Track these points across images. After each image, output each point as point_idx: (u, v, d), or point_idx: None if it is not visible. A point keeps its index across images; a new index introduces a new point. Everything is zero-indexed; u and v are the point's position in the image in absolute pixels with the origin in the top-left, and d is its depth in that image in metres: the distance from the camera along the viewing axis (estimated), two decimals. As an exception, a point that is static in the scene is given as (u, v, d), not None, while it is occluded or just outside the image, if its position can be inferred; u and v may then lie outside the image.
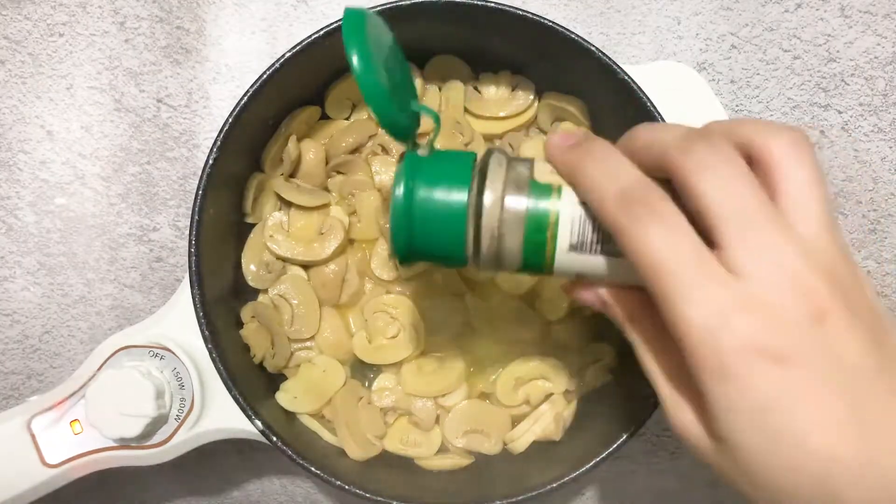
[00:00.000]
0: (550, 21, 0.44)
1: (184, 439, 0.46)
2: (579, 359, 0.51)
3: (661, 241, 0.25)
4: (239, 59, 0.56)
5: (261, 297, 0.51)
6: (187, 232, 0.44)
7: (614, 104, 0.47)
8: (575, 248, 0.29)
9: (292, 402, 0.49)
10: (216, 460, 0.56)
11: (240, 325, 0.49)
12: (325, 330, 0.50)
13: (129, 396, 0.44)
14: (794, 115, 0.57)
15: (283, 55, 0.44)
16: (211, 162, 0.44)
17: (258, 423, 0.44)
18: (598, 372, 0.50)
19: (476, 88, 0.52)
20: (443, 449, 0.51)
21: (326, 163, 0.51)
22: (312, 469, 0.43)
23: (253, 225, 0.51)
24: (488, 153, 0.31)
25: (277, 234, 0.50)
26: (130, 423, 0.44)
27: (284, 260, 0.50)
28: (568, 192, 0.29)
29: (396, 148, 0.51)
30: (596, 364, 0.51)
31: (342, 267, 0.50)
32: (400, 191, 0.30)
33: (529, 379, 0.50)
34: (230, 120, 0.44)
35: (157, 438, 0.46)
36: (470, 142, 0.51)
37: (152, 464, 0.46)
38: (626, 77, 0.45)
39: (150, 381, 0.44)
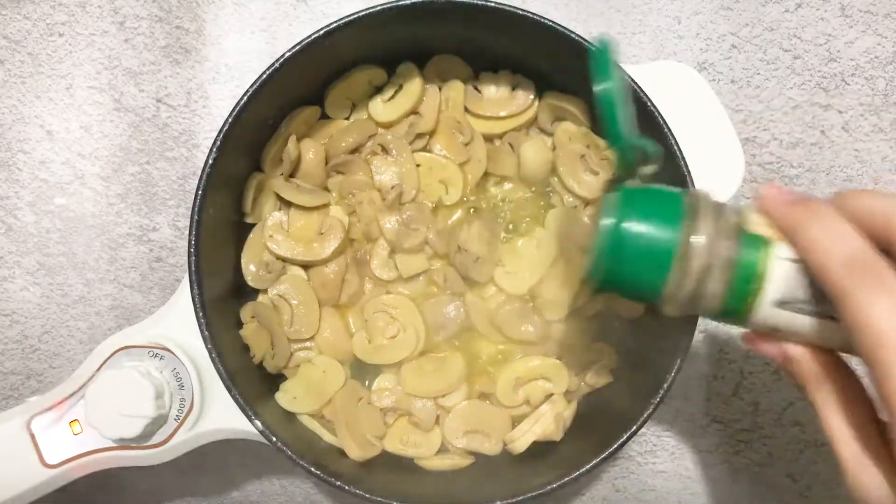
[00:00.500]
0: (550, 21, 0.44)
1: (183, 439, 0.46)
2: (580, 359, 0.51)
3: (888, 312, 0.25)
4: (239, 58, 0.56)
5: (261, 297, 0.51)
6: (187, 232, 0.44)
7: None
8: (780, 304, 0.29)
9: (292, 402, 0.49)
10: (216, 460, 0.56)
11: (240, 325, 0.49)
12: (325, 330, 0.50)
13: (128, 397, 0.44)
14: (794, 115, 0.57)
15: (283, 55, 0.44)
16: (211, 162, 0.44)
17: (258, 423, 0.44)
18: (598, 372, 0.50)
19: (476, 88, 0.52)
20: (443, 449, 0.51)
21: (326, 163, 0.51)
22: (312, 469, 0.43)
23: (253, 225, 0.51)
24: (697, 195, 0.31)
25: (277, 234, 0.50)
26: (130, 424, 0.44)
27: (284, 260, 0.50)
28: (780, 247, 0.29)
29: (396, 148, 0.51)
30: (596, 364, 0.51)
31: (342, 267, 0.50)
32: (611, 220, 0.30)
33: (529, 379, 0.50)
34: (230, 120, 0.44)
35: (156, 439, 0.46)
36: (470, 142, 0.51)
37: (152, 464, 0.46)
38: (626, 77, 0.45)
39: (150, 382, 0.44)
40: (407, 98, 0.51)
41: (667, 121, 0.45)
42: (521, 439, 0.50)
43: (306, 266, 0.51)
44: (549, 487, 0.44)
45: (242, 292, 0.50)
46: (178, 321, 0.47)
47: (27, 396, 0.56)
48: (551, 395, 0.50)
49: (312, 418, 0.49)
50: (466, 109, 0.52)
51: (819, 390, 0.30)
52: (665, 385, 0.44)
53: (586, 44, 0.44)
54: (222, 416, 0.46)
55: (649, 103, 0.45)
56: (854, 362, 0.29)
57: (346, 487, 0.43)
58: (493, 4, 0.44)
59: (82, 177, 0.56)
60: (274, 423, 0.45)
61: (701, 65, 0.57)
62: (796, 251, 0.29)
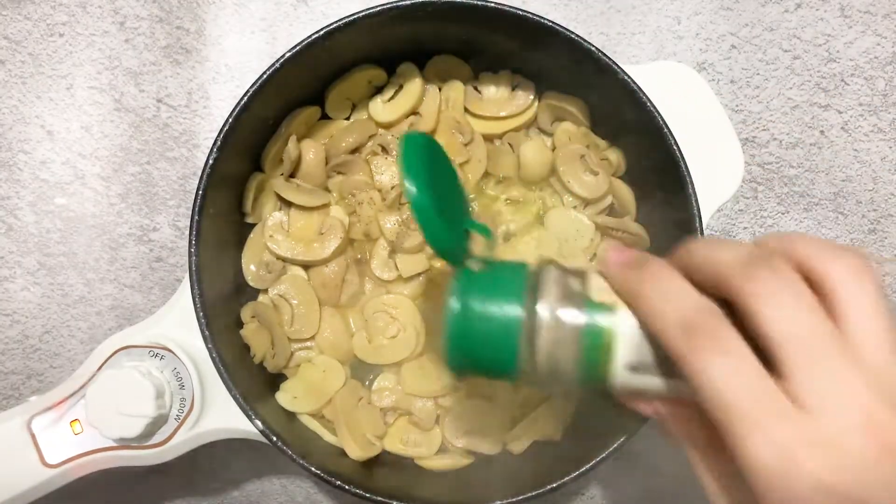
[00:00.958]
0: (550, 21, 0.44)
1: (184, 439, 0.46)
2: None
3: (726, 374, 0.24)
4: (239, 59, 0.56)
5: (261, 297, 0.51)
6: (187, 232, 0.44)
7: (614, 104, 0.47)
8: (633, 368, 0.28)
9: (292, 401, 0.49)
10: (216, 460, 0.56)
11: (240, 325, 0.49)
12: (325, 330, 0.50)
13: (128, 396, 0.44)
14: (794, 115, 0.57)
15: (283, 55, 0.44)
16: (211, 162, 0.44)
17: (258, 423, 0.44)
18: (598, 372, 0.50)
19: (476, 88, 0.52)
20: (443, 449, 0.51)
21: (326, 163, 0.51)
22: (312, 469, 0.43)
23: (253, 225, 0.51)
24: (540, 267, 0.31)
25: (277, 234, 0.50)
26: (130, 423, 0.44)
27: (284, 260, 0.50)
28: (625, 312, 0.28)
29: (395, 147, 0.51)
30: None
31: (342, 267, 0.50)
32: (454, 305, 0.30)
33: (529, 379, 0.50)
34: (230, 120, 0.44)
35: (157, 438, 0.46)
36: (470, 142, 0.51)
37: (152, 464, 0.46)
38: (626, 77, 0.45)
39: (150, 382, 0.44)
40: (407, 98, 0.51)
41: (666, 121, 0.45)
42: (521, 439, 0.50)
43: (306, 266, 0.51)
44: (549, 487, 0.44)
45: (242, 292, 0.50)
46: (178, 321, 0.47)
47: (28, 396, 0.56)
48: (551, 395, 0.50)
49: (312, 418, 0.49)
50: (466, 109, 0.52)
51: (693, 448, 0.30)
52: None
53: (586, 44, 0.44)
54: (222, 416, 0.46)
55: (649, 103, 0.45)
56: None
57: (346, 487, 0.43)
58: (493, 4, 0.44)
59: (83, 177, 0.56)
60: (274, 423, 0.45)
61: (701, 65, 0.57)
62: (637, 317, 0.28)
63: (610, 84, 0.45)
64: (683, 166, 0.44)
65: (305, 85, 0.49)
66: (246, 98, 0.44)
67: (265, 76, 0.44)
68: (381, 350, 0.50)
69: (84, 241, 0.56)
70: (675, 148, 0.44)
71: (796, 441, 0.23)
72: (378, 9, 0.44)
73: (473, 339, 0.30)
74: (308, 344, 0.51)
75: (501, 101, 0.51)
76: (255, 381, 0.48)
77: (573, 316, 0.28)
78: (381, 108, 0.51)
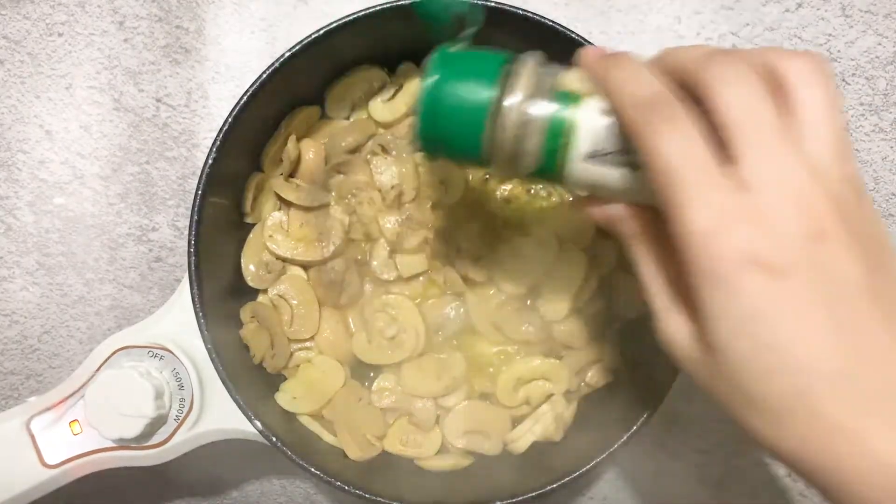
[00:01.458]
0: (551, 21, 0.44)
1: (183, 439, 0.46)
2: (580, 359, 0.50)
3: (675, 146, 0.26)
4: (239, 58, 0.56)
5: (260, 297, 0.51)
6: (187, 232, 0.44)
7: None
8: (591, 156, 0.30)
9: (292, 402, 0.49)
10: (216, 460, 0.56)
11: (240, 325, 0.49)
12: (325, 330, 0.50)
13: (128, 397, 0.44)
14: (794, 115, 0.57)
15: (283, 55, 0.44)
16: (210, 162, 0.44)
17: (258, 423, 0.44)
18: (598, 372, 0.50)
19: (476, 88, 0.52)
20: (443, 449, 0.51)
21: (326, 163, 0.51)
22: (312, 469, 0.43)
23: (253, 225, 0.51)
24: (519, 57, 0.32)
25: (277, 234, 0.50)
26: (130, 424, 0.44)
27: (284, 260, 0.50)
28: (592, 101, 0.30)
29: (396, 148, 0.51)
30: (596, 364, 0.51)
31: (342, 267, 0.50)
32: (429, 81, 0.31)
33: (529, 379, 0.50)
34: (230, 120, 0.44)
35: (156, 439, 0.46)
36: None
37: (152, 464, 0.46)
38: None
39: (150, 382, 0.44)
40: (407, 98, 0.51)
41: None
42: (521, 439, 0.50)
43: (306, 266, 0.51)
44: (549, 487, 0.44)
45: (242, 292, 0.50)
46: (177, 321, 0.47)
47: (27, 396, 0.56)
48: (551, 395, 0.50)
49: (312, 418, 0.49)
50: (466, 109, 0.52)
51: (638, 247, 0.31)
52: (666, 385, 0.44)
53: (587, 43, 0.44)
54: (222, 416, 0.46)
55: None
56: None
57: (346, 487, 0.43)
58: (492, 4, 0.44)
59: (82, 177, 0.56)
60: (274, 423, 0.45)
61: (701, 65, 0.57)
62: (603, 102, 0.30)
63: (610, 84, 0.45)
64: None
65: (305, 85, 0.49)
66: (245, 98, 0.44)
67: (265, 76, 0.44)
68: (381, 350, 0.50)
69: (83, 241, 0.56)
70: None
71: (731, 211, 0.25)
72: (378, 8, 0.44)
73: (443, 115, 0.31)
74: (308, 344, 0.51)
75: (501, 100, 0.51)
76: (254, 381, 0.48)
77: (539, 104, 0.30)
78: (381, 108, 0.51)
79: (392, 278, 0.51)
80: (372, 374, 0.51)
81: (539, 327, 0.50)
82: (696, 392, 0.57)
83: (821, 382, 0.24)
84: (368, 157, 0.51)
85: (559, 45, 0.45)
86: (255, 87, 0.44)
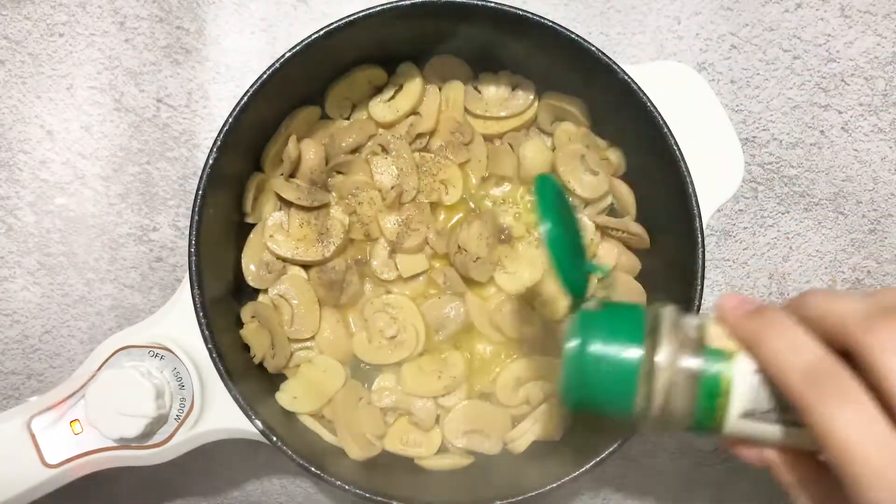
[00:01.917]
0: (550, 21, 0.44)
1: (184, 439, 0.46)
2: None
3: (851, 423, 0.25)
4: (239, 59, 0.56)
5: (261, 297, 0.51)
6: (187, 232, 0.44)
7: (614, 104, 0.47)
8: (748, 415, 0.29)
9: (292, 402, 0.49)
10: (216, 460, 0.56)
11: (240, 324, 0.49)
12: (325, 330, 0.50)
13: (128, 396, 0.44)
14: (794, 115, 0.57)
15: (283, 55, 0.44)
16: (211, 162, 0.44)
17: (258, 423, 0.44)
18: (598, 372, 0.50)
19: (476, 88, 0.52)
20: (443, 449, 0.51)
21: (326, 163, 0.51)
22: (312, 469, 0.43)
23: (253, 225, 0.51)
24: (658, 310, 0.31)
25: (277, 234, 0.50)
26: (130, 423, 0.44)
27: (284, 260, 0.50)
28: (742, 359, 0.29)
29: (396, 148, 0.51)
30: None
31: (342, 267, 0.50)
32: (574, 345, 0.30)
33: (529, 379, 0.50)
34: (230, 120, 0.44)
35: (157, 438, 0.46)
36: (470, 142, 0.51)
37: (152, 464, 0.46)
38: (626, 77, 0.45)
39: (150, 382, 0.44)
40: (407, 98, 0.51)
41: (666, 121, 0.45)
42: (521, 439, 0.50)
43: (306, 266, 0.51)
44: (549, 487, 0.44)
45: (242, 292, 0.50)
46: (178, 321, 0.47)
47: (27, 396, 0.56)
48: (551, 394, 0.50)
49: (312, 418, 0.49)
50: (466, 109, 0.52)
51: (800, 495, 0.30)
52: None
53: (586, 44, 0.44)
54: (222, 416, 0.46)
55: (649, 103, 0.45)
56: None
57: (346, 487, 0.43)
58: (492, 4, 0.44)
59: (83, 177, 0.56)
60: (274, 423, 0.45)
61: (701, 65, 0.57)
62: (758, 363, 0.28)
63: (610, 84, 0.45)
64: (683, 166, 0.44)
65: (305, 85, 0.49)
66: (246, 98, 0.44)
67: (265, 76, 0.44)
68: (381, 350, 0.50)
69: (84, 241, 0.56)
70: (675, 148, 0.44)
71: None
72: (378, 8, 0.44)
73: (591, 379, 0.30)
74: (308, 344, 0.51)
75: (501, 100, 0.51)
76: (254, 381, 0.48)
77: (691, 363, 0.29)
78: (381, 107, 0.51)
79: (392, 278, 0.51)
80: (372, 374, 0.51)
81: (539, 327, 0.50)
82: (695, 392, 0.57)
83: None
84: (368, 157, 0.51)
85: (559, 46, 0.45)
86: (255, 87, 0.44)
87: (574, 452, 0.47)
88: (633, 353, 0.29)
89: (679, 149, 0.44)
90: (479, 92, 0.52)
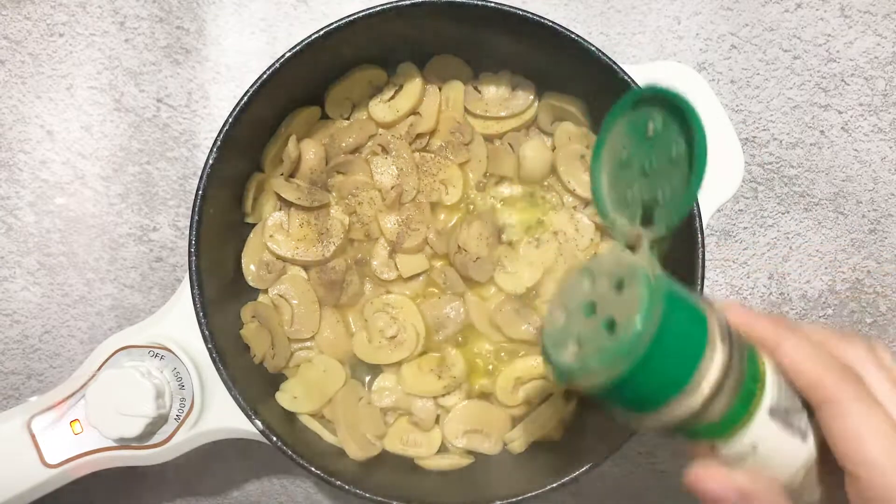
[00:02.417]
0: (550, 21, 0.44)
1: (184, 439, 0.46)
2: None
3: (865, 416, 0.27)
4: (239, 59, 0.56)
5: (261, 297, 0.51)
6: (187, 232, 0.44)
7: (614, 104, 0.47)
8: (772, 412, 0.29)
9: (292, 402, 0.49)
10: (216, 460, 0.56)
11: (240, 324, 0.49)
12: (325, 330, 0.50)
13: (129, 396, 0.44)
14: (794, 115, 0.57)
15: (283, 55, 0.44)
16: (211, 162, 0.44)
17: (258, 423, 0.44)
18: (598, 372, 0.50)
19: (476, 88, 0.52)
20: (443, 449, 0.51)
21: (326, 163, 0.51)
22: (312, 469, 0.43)
23: (253, 225, 0.51)
24: (713, 308, 0.30)
25: (277, 234, 0.50)
26: (130, 423, 0.44)
27: (284, 260, 0.50)
28: (770, 368, 0.30)
29: (396, 148, 0.51)
30: (596, 364, 0.51)
31: (342, 267, 0.50)
32: (643, 329, 0.26)
33: (529, 379, 0.50)
34: (230, 120, 0.44)
35: (157, 438, 0.46)
36: (470, 142, 0.51)
37: (152, 464, 0.46)
38: (626, 77, 0.45)
39: (150, 382, 0.44)
40: (407, 98, 0.51)
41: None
42: (521, 439, 0.50)
43: (306, 266, 0.51)
44: (549, 487, 0.44)
45: (242, 292, 0.50)
46: (178, 321, 0.47)
47: (28, 396, 0.56)
48: (551, 394, 0.50)
49: (312, 418, 0.49)
50: (466, 109, 0.52)
51: None
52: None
53: (586, 44, 0.44)
54: (222, 416, 0.46)
55: (649, 103, 0.45)
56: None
57: (347, 487, 0.43)
58: (492, 4, 0.44)
59: (83, 177, 0.56)
60: (274, 423, 0.45)
61: (701, 65, 0.57)
62: (782, 363, 0.29)
63: (610, 84, 0.45)
64: (683, 166, 0.44)
65: (305, 85, 0.49)
66: (246, 98, 0.44)
67: (265, 76, 0.44)
68: (381, 350, 0.50)
69: (84, 241, 0.56)
70: (675, 148, 0.44)
71: None
72: (378, 9, 0.44)
73: (659, 351, 0.27)
74: (308, 344, 0.51)
75: (501, 100, 0.51)
76: (255, 381, 0.48)
77: (742, 345, 0.29)
78: (381, 107, 0.51)
79: (392, 278, 0.51)
80: (372, 374, 0.51)
81: (539, 327, 0.50)
82: (695, 392, 0.57)
83: None
84: (368, 157, 0.51)
85: (559, 46, 0.45)
86: (255, 87, 0.44)
87: (574, 452, 0.47)
88: (701, 331, 0.28)
89: (679, 149, 0.44)
90: (479, 92, 0.52)
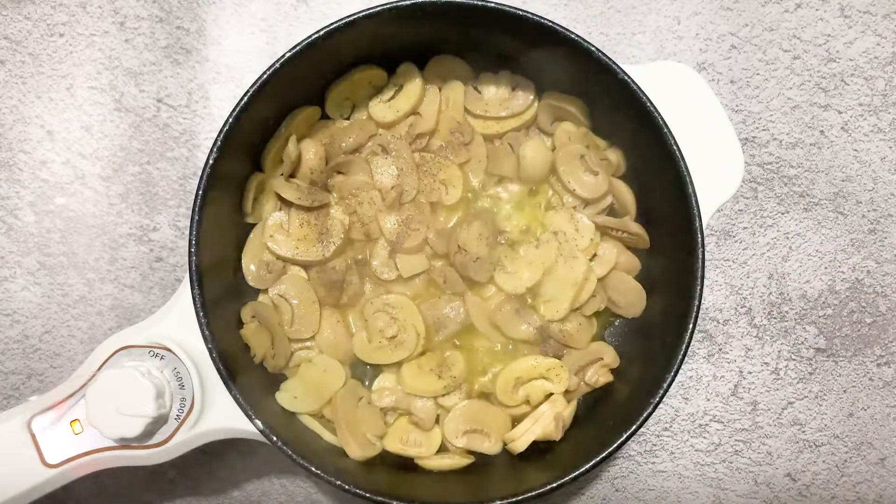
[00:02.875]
0: (551, 21, 0.44)
1: (184, 439, 0.46)
2: (579, 359, 0.51)
3: None
4: (239, 59, 0.56)
5: (261, 297, 0.51)
6: (187, 232, 0.44)
7: (614, 104, 0.47)
8: None
9: (292, 401, 0.49)
10: (216, 460, 0.56)
11: (240, 324, 0.49)
12: (325, 330, 0.50)
13: (129, 396, 0.44)
14: (794, 115, 0.57)
15: (283, 55, 0.44)
16: (211, 162, 0.44)
17: (258, 423, 0.44)
18: (598, 372, 0.50)
19: (476, 88, 0.52)
20: (443, 449, 0.51)
21: (326, 163, 0.51)
22: (312, 469, 0.43)
23: (253, 225, 0.51)
24: None
25: (278, 234, 0.50)
26: (130, 423, 0.44)
27: (284, 260, 0.50)
28: None
29: (396, 148, 0.51)
30: (596, 364, 0.51)
31: (342, 267, 0.50)
32: None
33: (529, 379, 0.50)
34: (230, 120, 0.44)
35: (157, 438, 0.46)
36: (470, 142, 0.51)
37: (152, 464, 0.46)
38: (626, 77, 0.45)
39: (150, 381, 0.44)
40: (407, 98, 0.51)
41: (666, 121, 0.45)
42: (521, 439, 0.50)
43: (307, 266, 0.51)
44: (549, 487, 0.44)
45: (242, 292, 0.50)
46: (178, 321, 0.47)
47: (28, 396, 0.56)
48: (551, 394, 0.50)
49: (313, 418, 0.49)
50: (466, 109, 0.52)
51: None
52: (664, 385, 0.44)
53: (586, 44, 0.44)
54: (222, 416, 0.46)
55: (649, 103, 0.45)
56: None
57: (346, 487, 0.43)
58: (492, 4, 0.44)
59: (83, 177, 0.56)
60: (274, 423, 0.45)
61: (700, 65, 0.57)
62: None
63: (610, 84, 0.45)
64: (683, 166, 0.44)
65: (305, 85, 0.49)
66: (246, 98, 0.44)
67: (265, 76, 0.44)
68: (381, 350, 0.50)
69: (84, 241, 0.56)
70: (675, 148, 0.44)
71: None
72: (378, 9, 0.44)
73: None
74: (308, 344, 0.51)
75: (501, 101, 0.51)
76: (255, 381, 0.48)
77: None
78: (381, 108, 0.51)
79: (392, 278, 0.51)
80: (372, 374, 0.52)
81: (539, 327, 0.50)
82: (695, 390, 0.57)
83: None
84: (368, 157, 0.51)
85: (559, 46, 0.45)
86: (255, 87, 0.44)
87: (574, 452, 0.47)
88: None
89: (679, 149, 0.44)
90: (479, 92, 0.52)
